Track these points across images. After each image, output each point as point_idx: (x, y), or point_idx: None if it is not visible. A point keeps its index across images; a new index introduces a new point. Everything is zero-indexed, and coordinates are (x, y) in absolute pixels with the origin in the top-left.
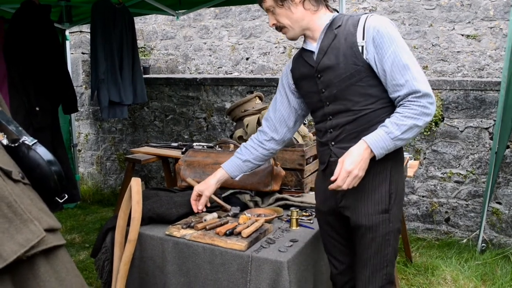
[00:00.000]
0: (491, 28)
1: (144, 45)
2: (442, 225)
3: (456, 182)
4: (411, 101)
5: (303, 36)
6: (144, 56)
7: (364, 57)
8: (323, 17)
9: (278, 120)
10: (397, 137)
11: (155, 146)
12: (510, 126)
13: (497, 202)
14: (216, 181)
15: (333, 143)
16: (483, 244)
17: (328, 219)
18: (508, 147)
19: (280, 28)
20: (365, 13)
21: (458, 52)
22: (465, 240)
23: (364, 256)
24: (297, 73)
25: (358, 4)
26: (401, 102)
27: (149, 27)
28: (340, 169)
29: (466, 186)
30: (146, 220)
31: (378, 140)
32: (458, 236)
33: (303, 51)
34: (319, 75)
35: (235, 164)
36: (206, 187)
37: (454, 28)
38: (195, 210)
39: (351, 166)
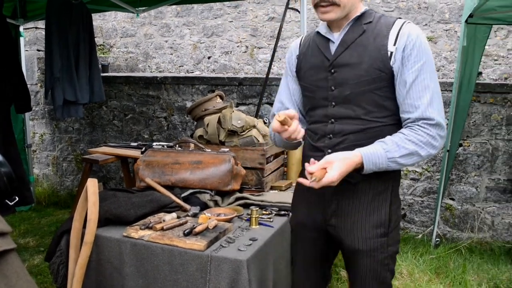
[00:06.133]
0: (446, 30)
1: (103, 42)
2: None
3: (412, 179)
4: (421, 126)
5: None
6: (103, 54)
7: (391, 64)
8: (360, 6)
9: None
10: (394, 159)
11: (113, 146)
12: (462, 126)
13: (450, 198)
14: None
15: (330, 150)
16: (437, 239)
17: (310, 235)
18: (460, 145)
19: (331, 3)
20: (400, 18)
21: None
22: (420, 235)
23: (361, 282)
24: (304, 61)
25: None
26: (409, 125)
27: (109, 24)
28: (319, 168)
29: (422, 183)
30: (103, 221)
31: (374, 155)
32: (413, 231)
33: (318, 37)
34: (333, 70)
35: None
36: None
37: None
38: (296, 132)
39: (338, 177)
